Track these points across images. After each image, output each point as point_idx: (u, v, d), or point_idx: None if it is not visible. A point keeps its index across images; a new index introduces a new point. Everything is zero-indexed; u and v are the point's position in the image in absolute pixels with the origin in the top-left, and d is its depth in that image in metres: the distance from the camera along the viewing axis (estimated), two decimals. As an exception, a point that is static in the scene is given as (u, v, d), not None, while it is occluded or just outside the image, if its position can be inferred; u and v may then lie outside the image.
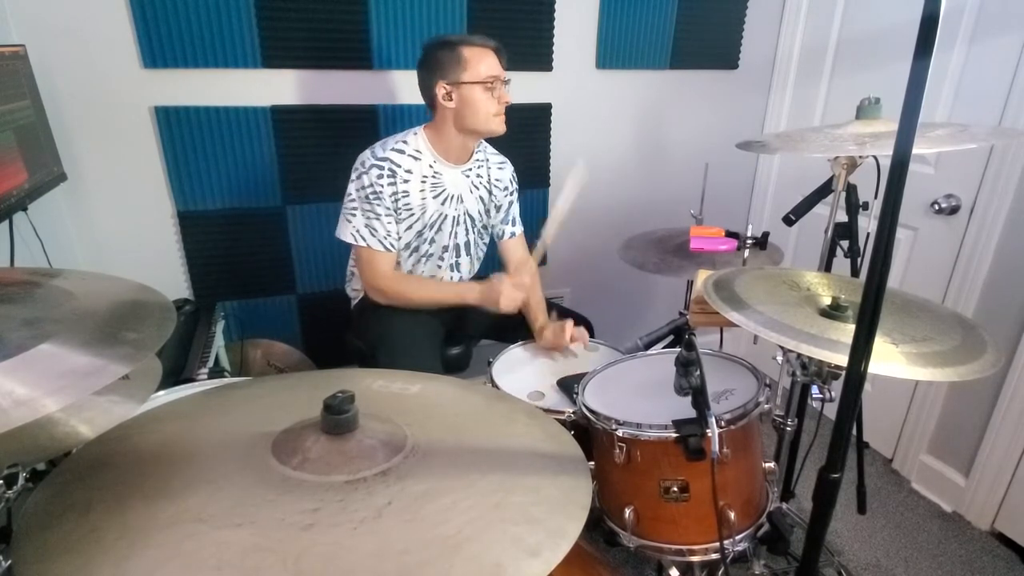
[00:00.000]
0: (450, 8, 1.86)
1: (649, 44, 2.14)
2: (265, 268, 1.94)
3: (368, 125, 1.88)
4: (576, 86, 2.12)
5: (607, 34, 2.08)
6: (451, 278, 1.71)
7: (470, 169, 1.63)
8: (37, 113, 1.45)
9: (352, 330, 1.73)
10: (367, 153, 1.51)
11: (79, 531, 0.56)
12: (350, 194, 1.52)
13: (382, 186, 1.48)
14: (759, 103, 2.43)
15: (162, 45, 1.62)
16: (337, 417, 0.68)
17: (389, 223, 1.52)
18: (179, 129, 1.71)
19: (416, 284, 1.62)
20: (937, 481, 1.91)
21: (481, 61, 1.47)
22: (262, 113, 1.78)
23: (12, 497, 0.64)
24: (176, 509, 0.59)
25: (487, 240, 1.78)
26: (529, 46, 1.99)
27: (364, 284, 1.61)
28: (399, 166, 1.50)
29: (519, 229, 1.79)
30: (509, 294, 1.50)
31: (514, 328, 1.64)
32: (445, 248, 1.66)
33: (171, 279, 1.85)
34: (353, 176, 1.52)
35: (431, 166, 1.56)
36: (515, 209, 1.77)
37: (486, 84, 1.47)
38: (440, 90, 1.48)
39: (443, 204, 1.59)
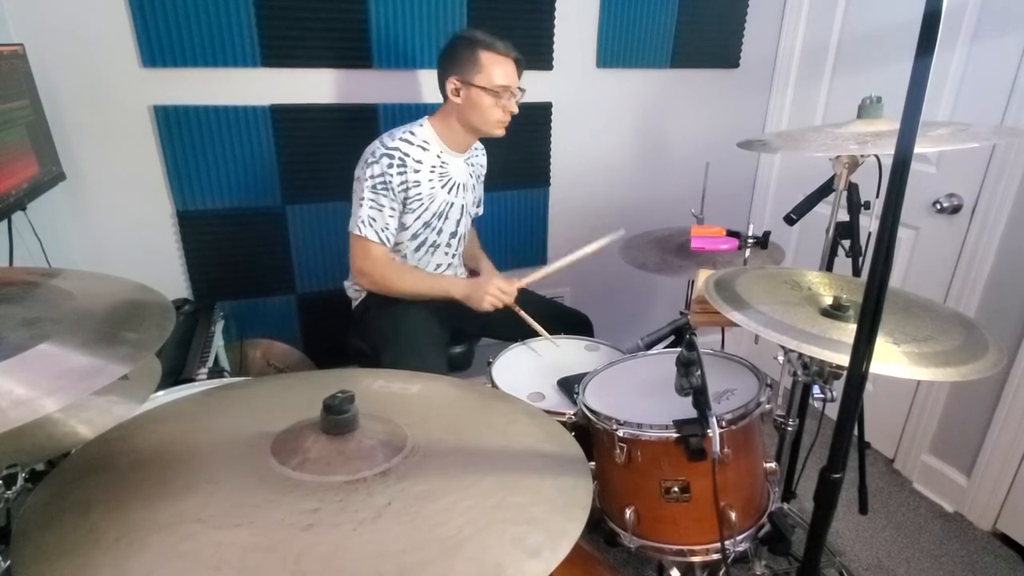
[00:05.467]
0: (450, 7, 1.85)
1: (650, 43, 2.14)
2: (265, 268, 1.94)
3: (368, 124, 1.88)
4: (576, 85, 2.11)
5: (608, 33, 2.07)
6: (457, 264, 1.76)
7: (468, 158, 1.68)
8: (36, 112, 1.45)
9: (354, 330, 1.73)
10: (376, 143, 1.53)
11: (78, 531, 0.56)
12: (358, 183, 1.53)
13: (392, 175, 1.49)
14: (760, 102, 2.42)
15: (161, 44, 1.61)
16: (337, 417, 0.68)
17: (391, 216, 1.53)
18: (178, 128, 1.71)
19: (403, 272, 1.62)
20: (939, 481, 1.90)
21: (497, 69, 1.48)
22: (262, 112, 1.78)
23: (12, 497, 0.64)
24: (176, 509, 0.59)
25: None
26: (529, 45, 1.98)
27: (353, 268, 1.61)
28: (408, 156, 1.52)
29: (482, 209, 1.89)
30: (495, 295, 1.52)
31: (515, 328, 1.64)
32: (452, 235, 1.68)
33: (171, 279, 1.85)
34: (362, 165, 1.53)
35: (439, 156, 1.59)
36: (481, 190, 1.86)
37: (495, 92, 1.49)
38: (451, 84, 1.51)
39: (449, 193, 1.62)
